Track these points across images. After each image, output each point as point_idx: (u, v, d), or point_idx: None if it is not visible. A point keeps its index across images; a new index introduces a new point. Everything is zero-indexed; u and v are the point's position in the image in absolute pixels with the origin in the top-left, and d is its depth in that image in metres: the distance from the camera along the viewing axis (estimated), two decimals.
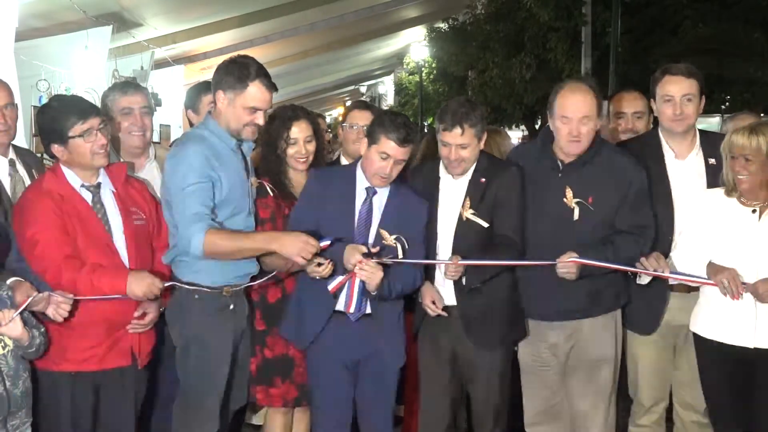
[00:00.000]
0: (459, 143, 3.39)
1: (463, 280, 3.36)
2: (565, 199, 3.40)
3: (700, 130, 3.72)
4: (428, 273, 3.49)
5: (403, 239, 3.30)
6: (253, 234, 3.26)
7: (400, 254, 3.28)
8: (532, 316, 3.57)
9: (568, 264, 3.27)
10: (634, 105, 4.33)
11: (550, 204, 3.43)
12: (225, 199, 3.21)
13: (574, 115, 3.37)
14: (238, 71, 3.20)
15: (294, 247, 3.05)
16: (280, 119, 3.68)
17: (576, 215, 3.39)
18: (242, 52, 3.54)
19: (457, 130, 3.37)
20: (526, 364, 3.66)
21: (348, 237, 3.29)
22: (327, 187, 3.41)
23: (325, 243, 3.10)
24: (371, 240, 3.33)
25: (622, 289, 3.58)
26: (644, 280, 3.45)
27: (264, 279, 3.30)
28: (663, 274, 3.35)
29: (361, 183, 3.39)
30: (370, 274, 3.17)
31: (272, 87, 3.27)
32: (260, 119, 3.26)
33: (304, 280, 3.43)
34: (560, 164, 3.47)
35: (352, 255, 3.16)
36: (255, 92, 3.21)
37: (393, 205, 3.37)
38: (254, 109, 3.22)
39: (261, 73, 3.23)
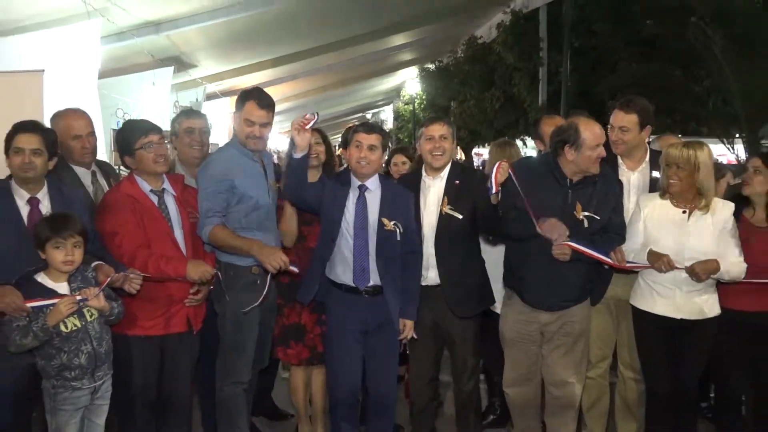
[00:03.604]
0: (440, 134, 3.44)
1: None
2: (575, 212, 3.30)
3: (651, 149, 3.67)
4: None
5: (399, 224, 3.32)
6: (245, 239, 3.20)
7: (399, 236, 3.30)
8: (532, 305, 3.44)
9: (562, 246, 3.23)
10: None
11: (561, 218, 3.24)
12: (243, 196, 3.23)
13: (603, 140, 3.29)
14: (242, 96, 3.29)
15: (267, 257, 3.12)
16: None
17: (585, 225, 3.30)
18: (274, 87, 3.57)
19: (439, 123, 3.48)
20: (511, 338, 3.53)
21: (346, 230, 3.29)
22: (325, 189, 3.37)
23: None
24: (373, 229, 3.30)
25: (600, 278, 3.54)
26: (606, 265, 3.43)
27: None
28: (622, 265, 3.35)
29: (355, 183, 3.37)
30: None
31: (264, 106, 3.27)
32: (257, 131, 3.26)
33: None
34: (569, 182, 3.33)
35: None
36: (249, 108, 3.25)
37: (387, 199, 3.36)
38: (250, 121, 3.25)
39: (256, 95, 3.27)
